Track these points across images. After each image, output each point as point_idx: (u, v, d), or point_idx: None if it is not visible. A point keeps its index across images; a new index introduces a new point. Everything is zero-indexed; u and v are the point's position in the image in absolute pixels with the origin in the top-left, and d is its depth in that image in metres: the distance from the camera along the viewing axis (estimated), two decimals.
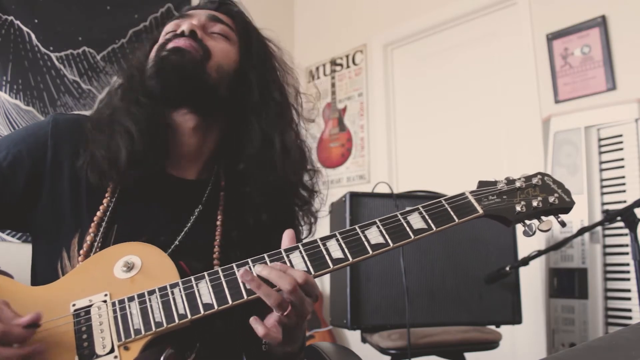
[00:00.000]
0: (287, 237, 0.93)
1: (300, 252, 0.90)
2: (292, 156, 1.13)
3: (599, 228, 2.24)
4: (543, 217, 1.00)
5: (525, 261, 2.01)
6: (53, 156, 1.03)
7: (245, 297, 0.85)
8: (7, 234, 2.55)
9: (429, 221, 0.94)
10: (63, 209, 1.01)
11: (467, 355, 2.12)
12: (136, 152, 1.00)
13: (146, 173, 1.02)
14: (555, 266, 2.37)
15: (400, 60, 3.65)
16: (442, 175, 3.19)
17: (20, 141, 1.04)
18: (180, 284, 0.87)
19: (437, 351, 2.08)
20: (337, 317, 2.11)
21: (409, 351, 1.89)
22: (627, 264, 2.19)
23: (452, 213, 0.96)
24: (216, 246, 1.06)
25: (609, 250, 2.26)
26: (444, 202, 0.97)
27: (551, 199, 0.99)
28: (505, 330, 2.16)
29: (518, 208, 0.98)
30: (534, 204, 0.99)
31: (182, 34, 1.07)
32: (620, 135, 2.31)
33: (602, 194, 2.33)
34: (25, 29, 2.76)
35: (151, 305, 0.85)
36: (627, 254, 2.17)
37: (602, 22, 2.56)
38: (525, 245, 2.17)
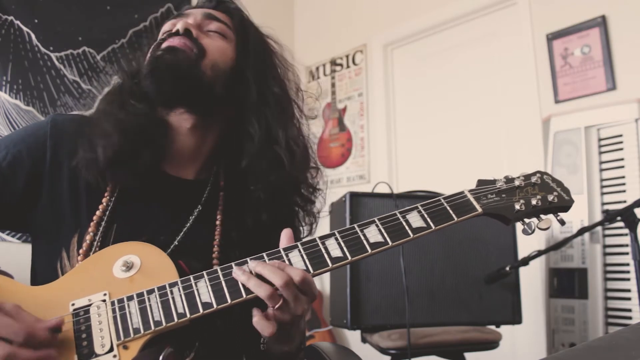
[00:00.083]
0: (285, 236, 0.93)
1: (299, 250, 0.90)
2: (297, 152, 1.13)
3: (599, 228, 2.25)
4: (542, 216, 1.00)
5: (525, 261, 2.01)
6: (52, 156, 1.03)
7: (244, 296, 0.85)
8: (7, 234, 2.55)
9: (428, 220, 0.94)
10: (62, 209, 1.01)
11: (467, 355, 2.12)
12: (115, 152, 0.99)
13: (132, 172, 1.02)
14: (555, 266, 2.37)
15: (400, 60, 3.65)
16: (442, 175, 3.19)
17: (20, 141, 1.04)
18: (179, 283, 0.87)
19: (437, 351, 2.08)
20: (337, 317, 2.10)
21: (409, 351, 1.89)
22: (627, 264, 2.19)
23: (451, 212, 0.95)
24: (215, 246, 1.06)
25: (609, 250, 2.26)
26: (442, 200, 0.97)
27: (550, 198, 0.99)
28: (505, 330, 2.16)
29: (517, 206, 0.98)
30: (533, 202, 0.99)
31: (176, 33, 1.06)
32: (620, 135, 2.31)
33: (602, 194, 2.33)
34: (25, 29, 2.76)
35: (150, 305, 0.85)
36: (627, 254, 2.17)
37: (602, 22, 2.56)
38: (525, 245, 2.17)
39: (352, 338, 3.39)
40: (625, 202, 2.22)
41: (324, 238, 0.91)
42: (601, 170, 2.35)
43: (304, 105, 1.22)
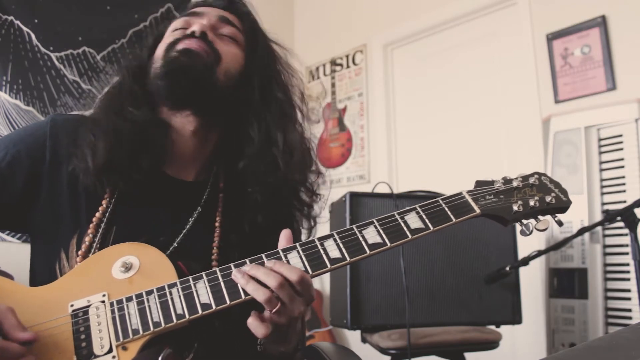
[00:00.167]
0: (284, 237, 0.93)
1: (298, 251, 0.90)
2: (296, 155, 1.13)
3: (599, 228, 2.24)
4: (540, 217, 1.00)
5: (525, 261, 2.01)
6: (51, 156, 1.03)
7: (242, 297, 0.85)
8: (7, 234, 2.55)
9: (426, 221, 0.94)
10: (62, 210, 1.01)
11: (467, 355, 2.12)
12: (106, 160, 0.99)
13: (128, 178, 1.01)
14: (555, 266, 2.37)
15: (400, 60, 3.65)
16: (442, 175, 3.19)
17: (19, 141, 1.04)
18: (178, 284, 0.87)
19: (437, 351, 2.08)
20: (337, 317, 2.11)
21: (409, 351, 1.89)
22: (627, 264, 2.19)
23: (449, 213, 0.96)
24: (215, 247, 1.06)
25: (609, 250, 2.26)
26: (441, 201, 0.97)
27: (548, 199, 0.99)
28: (505, 330, 2.16)
29: (515, 207, 0.98)
30: (531, 203, 0.99)
31: (192, 35, 1.06)
32: (620, 135, 2.31)
33: (602, 194, 2.33)
34: (25, 29, 2.76)
35: (149, 306, 0.85)
36: (627, 254, 2.17)
37: (602, 22, 2.56)
38: (525, 245, 2.17)
39: (352, 338, 3.39)
40: (625, 202, 2.22)
41: (322, 239, 0.92)
42: (601, 170, 2.35)
43: (307, 109, 1.22)
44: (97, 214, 1.00)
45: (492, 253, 2.11)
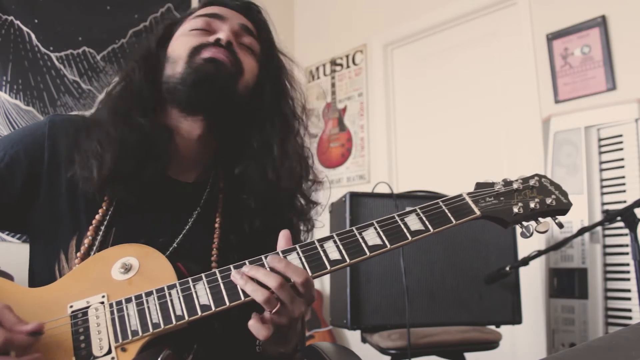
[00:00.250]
0: (283, 238, 0.93)
1: (298, 253, 0.90)
2: (292, 164, 1.12)
3: (599, 228, 2.25)
4: (540, 219, 1.00)
5: (525, 261, 2.01)
6: (50, 157, 1.03)
7: (242, 298, 0.85)
8: (7, 234, 2.55)
9: (426, 222, 0.94)
10: (61, 210, 1.01)
11: (467, 355, 2.12)
12: (111, 171, 0.99)
13: (132, 188, 1.01)
14: (555, 266, 2.37)
15: (400, 60, 3.65)
16: (442, 175, 3.19)
17: (18, 142, 1.04)
18: (177, 285, 0.87)
19: (437, 351, 2.08)
20: (337, 317, 2.11)
21: (409, 351, 1.89)
22: (627, 264, 2.19)
23: (449, 214, 0.95)
24: (214, 249, 1.06)
25: (609, 250, 2.26)
26: (441, 203, 0.97)
27: (548, 201, 0.99)
28: (505, 330, 2.16)
29: (515, 209, 0.98)
30: (532, 205, 0.98)
31: (218, 42, 1.05)
32: (620, 135, 2.31)
33: (602, 194, 2.33)
34: (25, 29, 2.76)
35: (148, 307, 0.85)
36: (627, 254, 2.17)
37: (602, 22, 2.56)
38: (525, 245, 2.17)
39: (352, 338, 3.39)
40: (625, 202, 2.22)
41: (322, 240, 0.91)
42: (601, 170, 2.35)
43: (308, 122, 1.22)
44: (97, 216, 1.00)
45: (492, 253, 2.11)
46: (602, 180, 2.34)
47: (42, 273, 1.00)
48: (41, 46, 2.81)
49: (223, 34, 1.06)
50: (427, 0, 3.44)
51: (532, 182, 1.02)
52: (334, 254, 0.90)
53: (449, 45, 3.37)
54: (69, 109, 2.87)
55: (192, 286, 0.87)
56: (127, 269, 0.90)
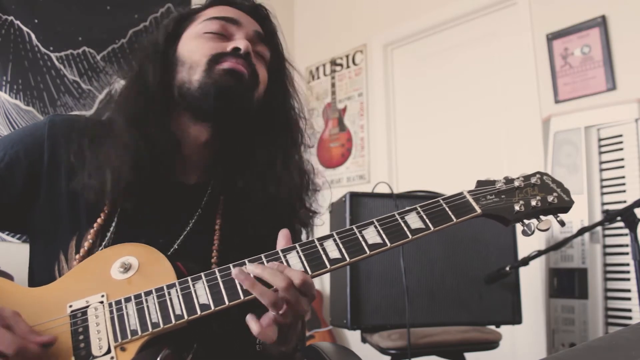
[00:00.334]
0: (282, 237, 0.93)
1: (298, 252, 0.89)
2: (294, 179, 1.12)
3: (599, 228, 2.24)
4: (542, 217, 0.99)
5: (525, 261, 2.01)
6: (50, 157, 1.02)
7: (242, 297, 0.85)
8: (7, 234, 2.55)
9: (427, 221, 0.93)
10: (60, 210, 1.01)
11: (467, 355, 2.12)
12: (128, 184, 0.98)
13: (140, 198, 1.00)
14: (555, 266, 2.37)
15: (400, 60, 3.65)
16: (442, 175, 3.19)
17: (18, 142, 1.03)
18: (177, 284, 0.87)
19: (437, 351, 2.08)
20: (337, 317, 2.10)
21: (409, 351, 1.89)
22: (627, 264, 2.19)
23: (450, 213, 0.95)
24: (214, 250, 1.06)
25: (609, 250, 2.26)
26: (441, 201, 0.97)
27: (550, 198, 0.99)
28: (505, 330, 2.16)
29: (517, 207, 0.97)
30: (533, 203, 0.98)
31: (237, 52, 1.04)
32: (620, 135, 2.31)
33: (602, 194, 2.33)
34: (25, 29, 2.76)
35: (148, 306, 0.85)
36: (627, 254, 2.17)
37: (602, 22, 2.56)
38: (525, 245, 2.17)
39: (352, 338, 3.38)
40: (625, 202, 2.22)
41: (322, 239, 0.91)
42: (601, 170, 2.35)
43: (306, 130, 1.21)
44: (99, 220, 0.99)
45: (492, 253, 2.11)
46: (602, 180, 2.34)
47: (41, 273, 1.00)
48: (41, 46, 2.81)
49: (242, 43, 1.05)
50: (427, 0, 3.43)
51: (533, 180, 1.02)
52: (334, 253, 0.89)
53: (449, 45, 3.37)
54: (69, 109, 2.87)
55: (191, 285, 0.87)
56: (126, 268, 0.90)
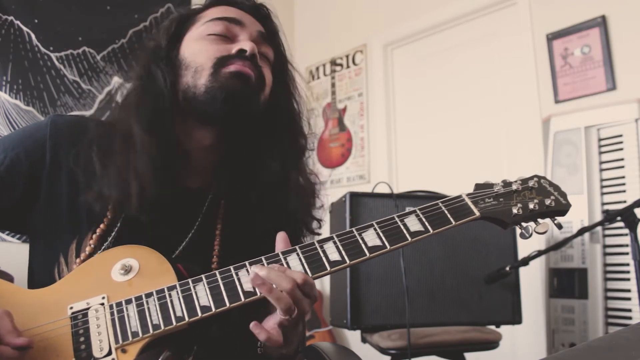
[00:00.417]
0: (281, 240, 0.93)
1: (298, 254, 0.90)
2: (303, 191, 1.12)
3: (599, 228, 2.24)
4: (539, 220, 1.00)
5: (525, 261, 2.01)
6: (52, 158, 1.02)
7: (242, 299, 0.85)
8: (7, 234, 2.55)
9: (426, 223, 0.94)
10: (61, 211, 1.01)
11: (467, 355, 2.12)
12: (148, 196, 0.97)
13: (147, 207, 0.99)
14: (555, 266, 2.37)
15: (400, 60, 3.65)
16: (442, 175, 3.19)
17: (19, 144, 1.02)
18: (177, 286, 0.87)
19: (437, 351, 2.08)
20: (337, 317, 2.11)
21: (409, 351, 1.89)
22: (627, 264, 2.19)
23: (448, 215, 0.95)
24: (215, 256, 1.06)
25: (609, 250, 2.26)
26: (440, 204, 0.97)
27: (547, 202, 0.99)
28: (505, 330, 2.16)
29: (515, 210, 0.98)
30: (531, 206, 0.99)
31: (242, 54, 1.02)
32: (620, 135, 2.31)
33: (602, 194, 2.33)
34: (25, 29, 2.77)
35: (149, 308, 0.85)
36: (627, 254, 2.17)
37: (602, 22, 2.56)
38: (525, 245, 2.17)
39: (352, 338, 3.39)
40: (625, 202, 2.22)
41: (322, 242, 0.91)
42: (601, 170, 2.35)
43: (309, 133, 1.20)
44: (102, 226, 0.99)
45: (492, 253, 2.11)
46: (602, 180, 2.34)
47: (41, 273, 1.00)
48: (41, 46, 2.82)
49: (247, 45, 1.03)
50: (427, 0, 3.43)
51: (531, 183, 1.02)
52: (334, 255, 0.90)
53: (449, 45, 3.37)
54: (69, 109, 2.87)
55: (192, 287, 0.87)
56: (127, 270, 0.90)
